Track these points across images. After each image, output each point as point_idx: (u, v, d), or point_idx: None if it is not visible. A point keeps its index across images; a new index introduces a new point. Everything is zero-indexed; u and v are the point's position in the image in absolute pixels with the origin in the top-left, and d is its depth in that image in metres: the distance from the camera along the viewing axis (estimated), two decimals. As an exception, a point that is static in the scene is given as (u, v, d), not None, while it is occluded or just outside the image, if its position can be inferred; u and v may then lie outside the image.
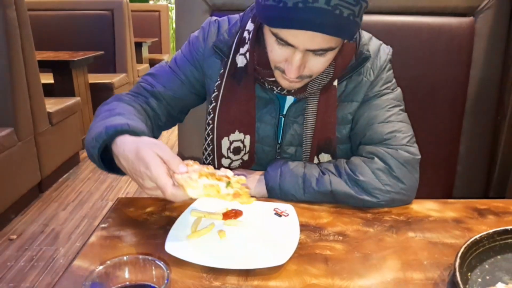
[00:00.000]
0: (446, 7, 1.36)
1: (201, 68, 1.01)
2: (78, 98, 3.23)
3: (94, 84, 3.76)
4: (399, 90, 0.98)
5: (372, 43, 0.96)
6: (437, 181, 1.48)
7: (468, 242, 0.64)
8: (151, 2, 6.30)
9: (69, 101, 3.10)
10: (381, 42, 0.99)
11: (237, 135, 0.98)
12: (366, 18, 1.37)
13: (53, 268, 2.00)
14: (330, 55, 0.81)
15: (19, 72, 2.45)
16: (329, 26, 0.73)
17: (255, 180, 0.93)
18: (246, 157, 0.99)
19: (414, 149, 0.91)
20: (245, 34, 0.95)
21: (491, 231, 0.67)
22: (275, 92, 0.92)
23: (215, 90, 0.98)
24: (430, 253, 0.70)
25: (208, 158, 1.03)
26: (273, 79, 0.89)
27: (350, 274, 0.65)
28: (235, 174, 0.78)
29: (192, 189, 0.65)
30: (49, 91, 3.10)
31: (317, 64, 0.82)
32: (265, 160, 0.99)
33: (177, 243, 0.68)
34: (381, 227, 0.79)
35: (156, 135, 1.01)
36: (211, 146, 1.01)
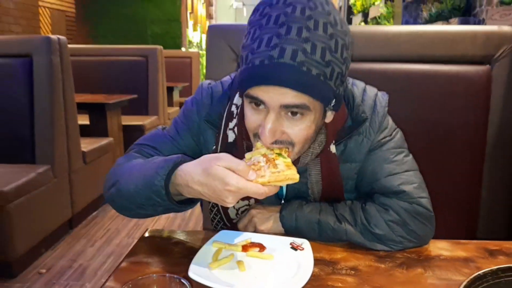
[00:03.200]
0: (463, 55, 1.42)
1: (199, 140, 1.02)
2: (111, 139, 3.39)
3: (127, 125, 3.95)
4: (399, 133, 0.99)
5: (366, 101, 0.95)
6: (460, 225, 1.49)
7: (471, 277, 0.67)
8: (183, 49, 6.63)
9: (103, 141, 3.26)
10: (375, 92, 0.99)
11: (241, 203, 1.00)
12: (387, 66, 1.48)
13: (80, 302, 2.06)
14: (307, 121, 0.80)
15: (59, 113, 2.62)
16: (296, 82, 0.74)
17: (272, 218, 0.96)
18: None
19: (426, 201, 0.92)
20: (233, 108, 0.97)
21: (495, 267, 0.70)
22: None
23: None
24: (438, 289, 0.74)
25: (218, 224, 1.06)
26: None
27: (359, 305, 0.69)
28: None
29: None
30: (85, 131, 3.28)
31: (295, 129, 0.80)
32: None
33: (199, 269, 0.74)
34: (393, 263, 0.83)
35: None
36: (218, 215, 1.04)
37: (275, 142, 0.81)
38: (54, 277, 2.28)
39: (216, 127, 0.99)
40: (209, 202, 1.02)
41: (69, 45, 2.76)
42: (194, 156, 1.02)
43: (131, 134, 3.97)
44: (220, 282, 0.71)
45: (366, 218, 0.90)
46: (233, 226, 1.04)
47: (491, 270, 0.70)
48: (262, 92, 0.77)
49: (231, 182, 0.71)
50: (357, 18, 5.11)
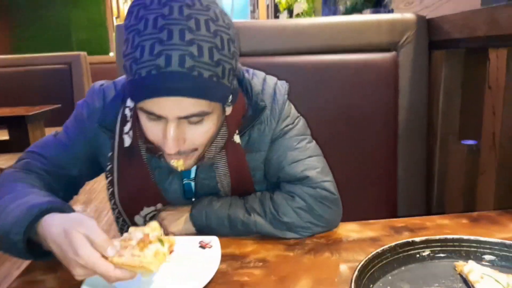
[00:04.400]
0: (370, 43, 1.47)
1: (93, 145, 0.95)
2: (34, 153, 3.18)
3: (52, 137, 3.72)
4: (301, 121, 0.99)
5: (266, 90, 0.94)
6: (380, 202, 1.55)
7: (370, 256, 0.69)
8: (111, 54, 6.40)
9: (25, 156, 3.05)
10: (275, 81, 0.97)
11: (147, 210, 0.97)
12: (296, 58, 1.51)
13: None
14: (209, 123, 0.78)
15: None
16: (189, 89, 0.71)
17: (183, 218, 0.93)
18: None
19: (330, 184, 0.92)
20: (127, 111, 0.92)
21: (393, 244, 0.72)
22: None
23: (108, 175, 0.95)
24: (341, 271, 0.74)
25: (124, 227, 1.01)
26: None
27: (263, 296, 0.68)
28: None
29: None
30: (6, 146, 3.06)
31: (197, 134, 0.78)
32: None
33: (94, 280, 0.69)
34: (302, 250, 0.83)
35: None
36: (126, 225, 0.99)
37: (178, 153, 0.78)
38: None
39: (111, 131, 0.94)
40: (111, 202, 0.97)
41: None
42: (92, 162, 0.97)
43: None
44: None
45: (275, 207, 0.89)
46: None
47: (389, 246, 0.72)
48: (156, 106, 0.73)
49: (82, 254, 0.64)
50: (283, 15, 5.19)
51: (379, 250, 0.70)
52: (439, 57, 1.51)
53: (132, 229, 0.72)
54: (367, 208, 1.53)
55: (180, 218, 0.94)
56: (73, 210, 0.76)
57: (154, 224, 0.73)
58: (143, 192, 0.95)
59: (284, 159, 0.94)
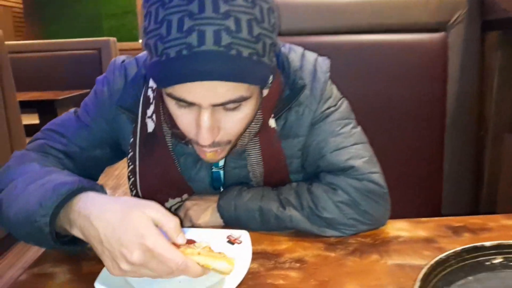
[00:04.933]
0: (416, 23, 1.34)
1: (113, 127, 0.86)
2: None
3: (81, 122, 3.72)
4: (345, 103, 0.87)
5: (305, 67, 0.83)
6: (424, 200, 1.42)
7: (432, 263, 0.57)
8: (140, 41, 6.40)
9: (53, 141, 3.05)
10: (315, 57, 0.86)
11: (172, 202, 0.88)
12: (335, 38, 1.38)
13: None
14: (247, 108, 0.67)
15: (-3, 112, 2.41)
16: (227, 72, 0.59)
17: (209, 210, 0.84)
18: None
19: (378, 176, 0.81)
20: (149, 92, 0.82)
21: (459, 248, 0.60)
22: None
23: (130, 163, 0.85)
24: (394, 277, 0.63)
25: None
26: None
27: (302, 305, 0.58)
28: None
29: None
30: (36, 131, 3.06)
31: (233, 122, 0.68)
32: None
33: (110, 278, 0.61)
34: (344, 251, 0.72)
35: None
36: None
37: (212, 144, 0.68)
38: (3, 287, 2.09)
39: (133, 114, 0.84)
40: (132, 193, 0.88)
41: (13, 42, 2.56)
42: (114, 145, 0.89)
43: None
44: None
45: (313, 200, 0.78)
46: None
47: (454, 252, 0.60)
48: (187, 92, 0.62)
49: (149, 237, 0.55)
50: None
51: (442, 256, 0.58)
52: (494, 39, 1.36)
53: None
54: (408, 205, 1.40)
55: (207, 209, 0.85)
56: (105, 192, 0.67)
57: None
58: (167, 182, 0.86)
59: (325, 146, 0.82)
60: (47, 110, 3.28)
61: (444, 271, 0.58)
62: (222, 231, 0.75)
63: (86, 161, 0.86)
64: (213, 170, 0.87)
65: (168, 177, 0.85)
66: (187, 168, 0.86)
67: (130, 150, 0.86)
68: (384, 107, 1.35)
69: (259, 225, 0.79)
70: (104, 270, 0.62)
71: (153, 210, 0.59)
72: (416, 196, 1.40)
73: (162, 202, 0.85)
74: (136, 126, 0.84)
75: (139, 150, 0.84)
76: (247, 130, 0.77)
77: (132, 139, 0.85)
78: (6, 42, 2.55)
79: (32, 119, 3.21)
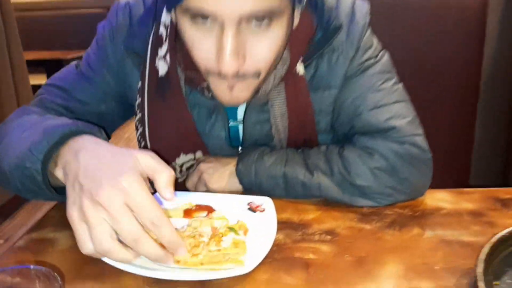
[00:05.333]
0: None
1: (118, 76, 0.78)
2: (71, 98, 3.11)
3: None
4: (386, 56, 0.77)
5: (341, 7, 0.72)
6: (451, 170, 1.32)
7: (493, 241, 0.48)
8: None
9: (61, 101, 2.98)
10: None
11: (184, 158, 0.78)
12: None
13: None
14: (277, 31, 0.59)
15: (4, 71, 2.33)
16: None
17: (226, 173, 0.76)
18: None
19: (422, 139, 0.71)
20: (161, 29, 0.72)
21: (522, 225, 0.52)
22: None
23: (138, 111, 0.77)
24: (443, 255, 0.55)
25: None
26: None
27: (337, 284, 0.50)
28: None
29: None
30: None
31: (261, 48, 0.59)
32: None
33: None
34: (381, 223, 0.63)
35: None
36: None
37: (237, 76, 0.59)
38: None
39: (140, 57, 0.75)
40: (140, 145, 0.80)
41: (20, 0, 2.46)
42: (120, 99, 0.80)
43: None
44: (143, 265, 0.51)
45: (345, 166, 0.69)
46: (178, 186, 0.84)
47: (515, 227, 0.51)
48: (206, 1, 0.54)
49: (127, 176, 0.47)
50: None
51: (504, 233, 0.50)
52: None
53: (192, 222, 0.59)
54: (434, 173, 1.32)
55: (224, 173, 0.76)
56: (105, 137, 0.60)
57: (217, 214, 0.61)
58: (179, 134, 0.77)
59: (362, 102, 0.72)
60: (55, 69, 3.18)
61: (505, 251, 0.50)
62: (242, 197, 0.67)
63: (91, 117, 0.77)
64: (230, 125, 0.79)
65: (181, 126, 0.77)
66: (200, 121, 0.78)
67: (138, 97, 0.77)
68: (416, 68, 1.23)
69: (283, 193, 0.71)
70: None
71: (147, 156, 0.52)
72: (443, 164, 1.31)
73: (173, 158, 0.78)
74: (144, 69, 0.75)
75: (148, 96, 0.75)
76: (272, 72, 0.68)
77: (140, 85, 0.76)
78: (13, 0, 2.45)
79: (40, 79, 3.13)
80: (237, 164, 0.74)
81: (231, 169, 0.75)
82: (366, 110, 0.72)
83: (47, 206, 2.64)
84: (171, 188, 0.50)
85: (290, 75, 0.71)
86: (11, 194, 2.34)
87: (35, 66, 2.86)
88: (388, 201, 0.68)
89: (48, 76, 3.23)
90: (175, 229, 0.55)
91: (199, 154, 0.79)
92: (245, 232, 0.57)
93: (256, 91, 0.67)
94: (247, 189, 0.74)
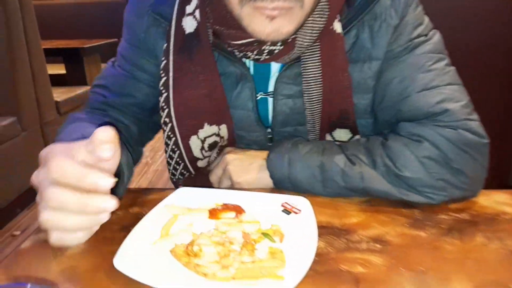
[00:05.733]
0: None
1: (148, 50, 0.74)
2: (88, 87, 3.07)
3: (108, 73, 3.61)
4: (437, 35, 0.69)
5: None
6: (490, 170, 1.23)
7: None
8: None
9: (79, 90, 2.94)
10: None
11: (208, 130, 0.73)
12: None
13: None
14: None
15: (21, 60, 2.30)
16: None
17: (255, 166, 0.69)
18: (224, 145, 0.76)
19: (477, 124, 0.63)
20: None
21: None
22: (250, 59, 0.67)
23: (162, 74, 0.72)
24: (519, 271, 0.46)
25: (177, 169, 0.78)
26: (244, 41, 0.63)
27: (395, 305, 0.42)
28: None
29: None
30: (62, 80, 2.97)
31: None
32: (254, 147, 0.75)
33: (133, 254, 0.46)
34: (437, 229, 0.55)
35: (136, 151, 0.77)
36: (177, 152, 0.75)
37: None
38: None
39: (166, 20, 0.71)
40: (163, 112, 0.74)
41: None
42: (153, 82, 0.76)
43: (113, 82, 3.65)
44: (161, 275, 0.43)
45: (390, 156, 0.61)
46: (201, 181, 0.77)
47: None
48: None
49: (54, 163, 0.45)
50: None
51: None
52: None
53: (219, 225, 0.52)
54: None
55: (251, 165, 0.69)
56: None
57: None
58: (205, 96, 0.71)
59: (411, 84, 0.65)
60: (73, 58, 3.16)
61: None
62: (275, 196, 0.59)
63: (131, 107, 0.77)
64: (259, 97, 0.72)
65: (207, 86, 0.71)
66: (226, 89, 0.71)
67: (163, 59, 0.72)
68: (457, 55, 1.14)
69: (320, 187, 0.63)
70: (124, 243, 0.48)
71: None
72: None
73: (196, 129, 0.72)
74: (170, 29, 0.70)
75: (174, 56, 0.70)
76: (309, 23, 0.62)
77: (164, 61, 0.71)
78: (31, -12, 2.41)
79: (59, 69, 3.11)
80: (269, 154, 0.67)
81: (260, 162, 0.68)
82: (415, 92, 0.64)
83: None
84: (110, 145, 0.43)
85: (326, 33, 0.65)
86: (27, 184, 2.32)
87: (53, 55, 2.82)
88: (441, 196, 0.60)
89: (66, 66, 3.20)
90: (202, 233, 0.48)
91: (223, 130, 0.73)
92: (281, 239, 0.50)
93: (291, 44, 0.62)
94: (278, 184, 0.66)
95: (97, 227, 0.47)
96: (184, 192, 0.60)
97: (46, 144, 2.48)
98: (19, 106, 2.27)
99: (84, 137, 0.48)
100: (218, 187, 0.74)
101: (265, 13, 0.56)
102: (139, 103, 0.77)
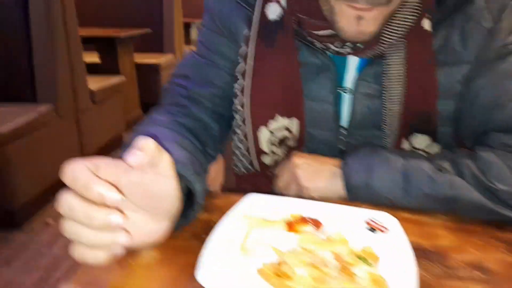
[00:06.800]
0: None
1: (230, 35, 0.72)
2: (122, 77, 3.08)
3: (140, 64, 3.62)
4: None
5: None
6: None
7: None
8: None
9: (113, 80, 2.96)
10: None
11: (279, 121, 0.70)
12: None
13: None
14: None
15: (60, 47, 2.31)
16: None
17: (326, 171, 0.65)
18: (292, 143, 0.72)
19: None
20: None
21: None
22: (331, 51, 0.64)
23: (240, 61, 0.70)
24: None
25: (241, 161, 0.75)
26: (326, 32, 0.60)
27: None
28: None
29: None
30: (95, 69, 2.98)
31: None
32: (322, 149, 0.71)
33: (216, 270, 0.43)
34: (542, 258, 0.50)
35: (215, 151, 0.74)
36: (244, 143, 0.73)
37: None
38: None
39: (250, 6, 0.69)
40: (236, 98, 0.72)
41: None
42: (232, 69, 0.73)
43: (145, 73, 3.66)
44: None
45: (480, 167, 0.56)
46: (264, 184, 0.73)
47: None
48: None
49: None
50: None
51: None
52: None
53: (302, 242, 0.48)
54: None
55: (322, 171, 0.65)
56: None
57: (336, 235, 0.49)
58: (280, 91, 0.68)
59: (505, 92, 0.60)
60: (107, 47, 3.17)
61: None
62: (357, 211, 0.55)
63: (215, 98, 0.74)
64: (337, 90, 0.69)
65: (286, 73, 0.68)
66: (306, 79, 0.68)
67: (239, 61, 0.70)
68: None
69: (400, 195, 0.58)
70: (203, 257, 0.44)
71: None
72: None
73: (266, 119, 0.70)
74: (253, 15, 0.68)
75: (255, 43, 0.68)
76: (396, 20, 0.58)
77: (246, 31, 0.69)
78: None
79: (91, 57, 3.11)
80: (345, 159, 0.63)
81: (331, 168, 0.64)
82: (510, 102, 0.60)
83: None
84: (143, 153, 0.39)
85: (414, 30, 0.61)
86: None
87: (86, 43, 2.83)
88: None
89: (100, 54, 3.21)
90: (288, 251, 0.45)
91: (294, 124, 0.69)
92: (375, 262, 0.45)
93: (375, 40, 0.59)
94: (352, 192, 0.62)
95: (118, 250, 0.42)
96: (255, 200, 0.56)
97: (79, 132, 2.50)
98: (57, 94, 2.28)
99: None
100: (284, 193, 0.70)
101: (355, 12, 0.53)
102: (221, 92, 0.74)
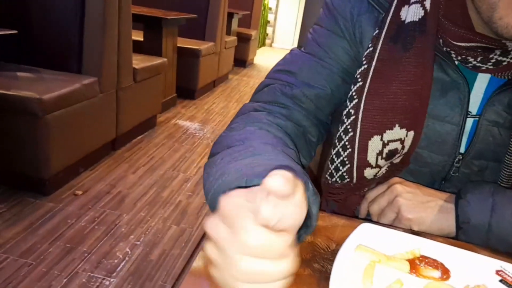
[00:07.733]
0: None
1: (355, 37, 0.66)
2: (164, 59, 3.05)
3: (182, 48, 3.59)
4: None
5: None
6: None
7: None
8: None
9: (156, 61, 2.93)
10: None
11: (396, 132, 0.61)
12: None
13: (114, 235, 1.82)
14: None
15: (112, 24, 2.29)
16: None
17: (434, 205, 0.60)
18: (398, 160, 0.65)
19: None
20: None
21: None
22: (468, 65, 0.57)
23: (364, 62, 0.64)
24: None
25: (339, 170, 0.67)
26: (467, 44, 0.54)
27: None
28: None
29: None
30: (138, 47, 2.96)
31: None
32: (424, 174, 0.65)
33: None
34: None
35: (309, 156, 0.69)
36: (348, 151, 0.65)
37: None
38: (90, 201, 2.04)
39: (383, 8, 0.63)
40: (349, 103, 0.65)
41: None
42: (345, 75, 0.67)
43: (185, 57, 3.64)
44: None
45: None
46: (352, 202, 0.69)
47: None
48: None
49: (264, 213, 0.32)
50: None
51: None
52: None
53: None
54: None
55: (430, 202, 0.60)
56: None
57: None
58: (406, 99, 0.60)
59: None
60: (153, 28, 3.15)
61: None
62: (484, 259, 0.50)
63: (318, 100, 0.67)
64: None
65: (415, 84, 0.60)
66: (432, 95, 0.61)
67: (369, 45, 0.63)
68: None
69: None
70: (334, 269, 0.40)
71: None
72: None
73: (383, 128, 0.61)
74: (386, 17, 0.61)
75: (382, 46, 0.61)
76: None
77: (370, 48, 0.62)
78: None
79: (135, 35, 3.09)
80: (463, 195, 0.58)
81: (439, 203, 0.60)
82: None
83: (125, 164, 2.59)
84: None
85: None
86: (94, 146, 2.31)
87: (134, 21, 2.80)
88: None
89: (145, 33, 3.19)
90: None
91: (409, 137, 0.62)
92: None
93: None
94: (468, 231, 0.56)
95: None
96: (371, 230, 0.51)
97: (119, 109, 2.47)
98: (102, 68, 2.27)
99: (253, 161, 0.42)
100: (376, 220, 0.65)
101: None
102: (328, 96, 0.67)
